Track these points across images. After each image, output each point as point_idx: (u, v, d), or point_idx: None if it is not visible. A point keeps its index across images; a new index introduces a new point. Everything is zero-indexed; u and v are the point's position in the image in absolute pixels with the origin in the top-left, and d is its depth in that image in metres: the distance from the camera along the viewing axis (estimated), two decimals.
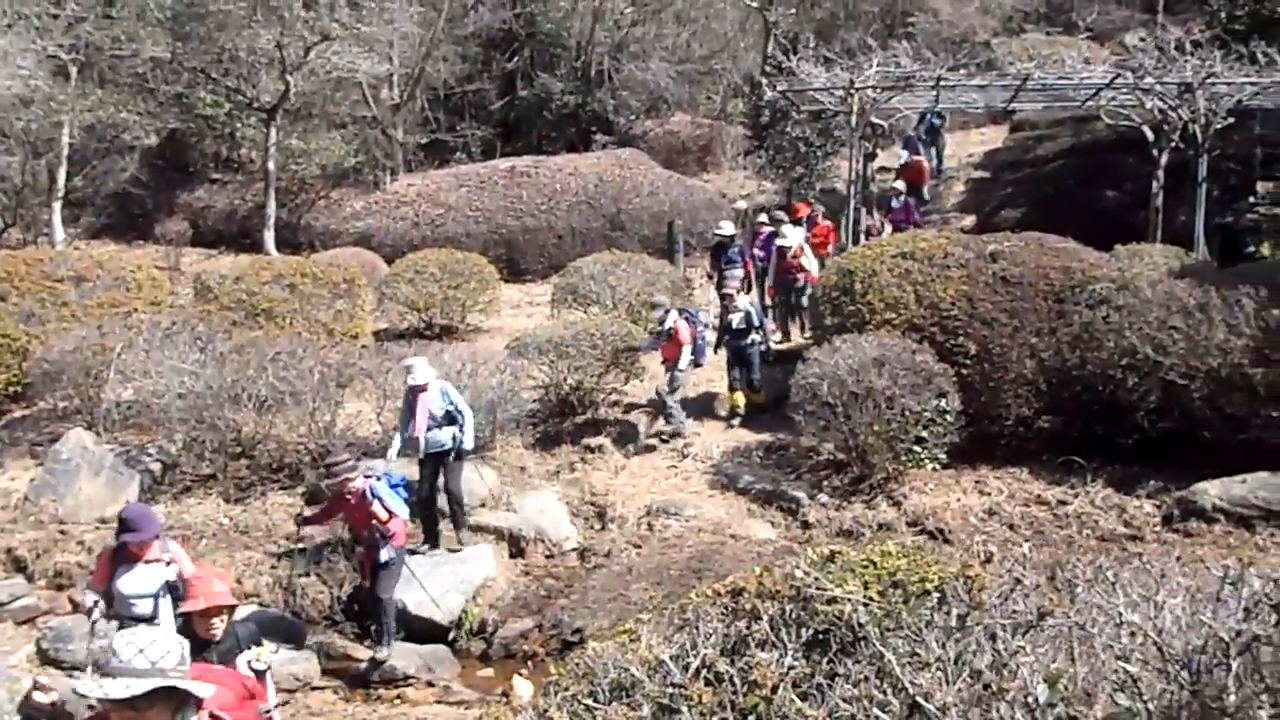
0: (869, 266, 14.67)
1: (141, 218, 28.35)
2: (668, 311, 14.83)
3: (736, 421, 15.42)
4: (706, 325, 16.39)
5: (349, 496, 10.48)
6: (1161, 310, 13.23)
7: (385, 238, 26.56)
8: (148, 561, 8.41)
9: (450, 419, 12.04)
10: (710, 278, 18.60)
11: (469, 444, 12.07)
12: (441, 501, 12.42)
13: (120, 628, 8.22)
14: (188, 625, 6.96)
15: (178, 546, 8.91)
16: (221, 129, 28.49)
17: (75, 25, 26.20)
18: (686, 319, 14.99)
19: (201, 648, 6.45)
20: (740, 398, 15.47)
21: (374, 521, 10.31)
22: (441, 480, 12.25)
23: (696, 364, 15.42)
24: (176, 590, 8.16)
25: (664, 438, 15.08)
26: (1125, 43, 30.57)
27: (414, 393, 12.06)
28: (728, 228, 18.64)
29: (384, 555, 10.43)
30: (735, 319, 15.38)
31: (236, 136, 28.73)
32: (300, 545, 12.24)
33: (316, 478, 12.90)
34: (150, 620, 8.24)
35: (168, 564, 8.42)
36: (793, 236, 18.17)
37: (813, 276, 17.54)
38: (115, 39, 26.59)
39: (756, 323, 15.46)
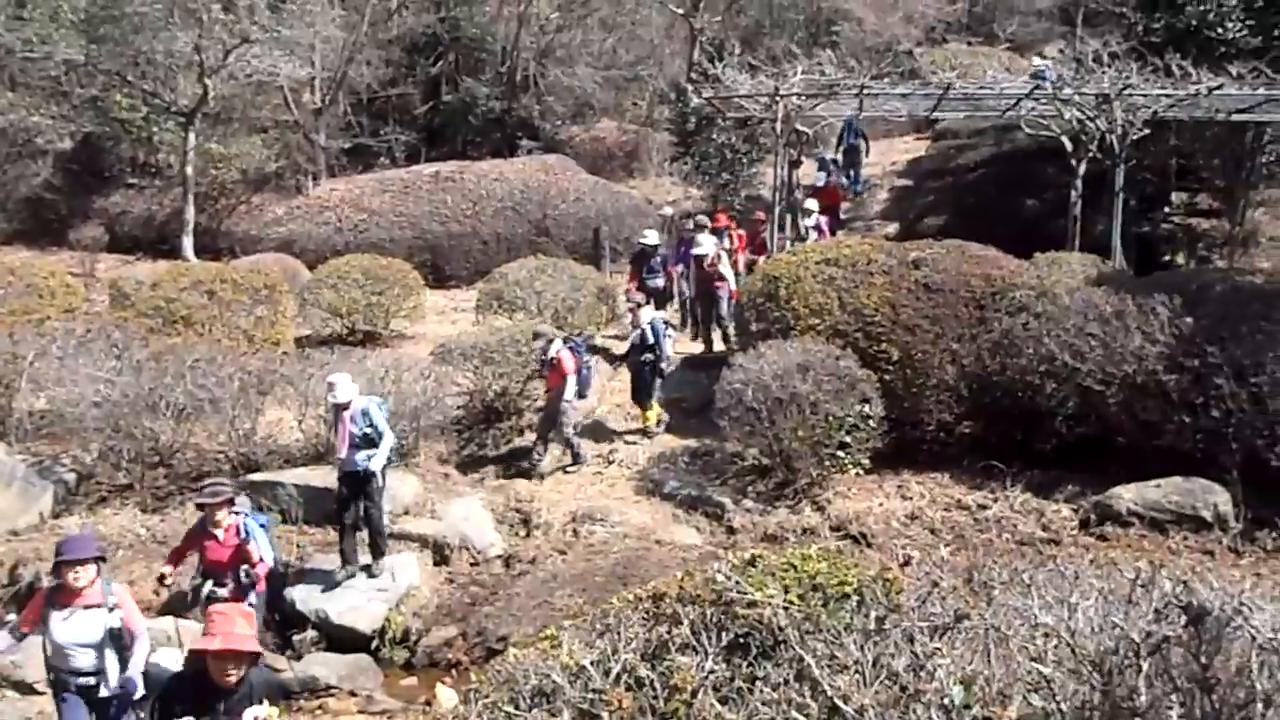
0: (794, 272, 14.77)
1: (55, 223, 27.77)
2: (550, 341, 14.22)
3: (661, 429, 15.30)
4: (592, 360, 15.63)
5: (215, 530, 9.70)
6: (1079, 317, 13.46)
7: (307, 243, 26.27)
8: (88, 606, 7.48)
9: (369, 441, 11.40)
10: (628, 290, 17.98)
11: (375, 466, 11.33)
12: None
13: (58, 683, 7.75)
14: (201, 671, 6.11)
15: (124, 591, 8.04)
16: (138, 133, 27.91)
17: None
18: (571, 349, 14.34)
19: (210, 695, 6.00)
20: (654, 414, 15.29)
21: (244, 565, 9.65)
22: (362, 507, 11.63)
23: (581, 395, 14.77)
24: (121, 641, 7.56)
25: (566, 469, 14.50)
26: (1045, 54, 30.98)
27: (337, 410, 11.58)
28: (651, 236, 18.38)
29: (250, 601, 9.38)
30: (634, 336, 15.14)
31: (154, 141, 28.18)
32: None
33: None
34: (95, 675, 7.57)
35: (111, 609, 7.51)
36: (707, 244, 17.87)
37: (735, 291, 17.31)
38: (27, 41, 25.93)
39: (652, 340, 14.91)
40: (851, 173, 26.91)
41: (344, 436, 11.42)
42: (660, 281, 17.80)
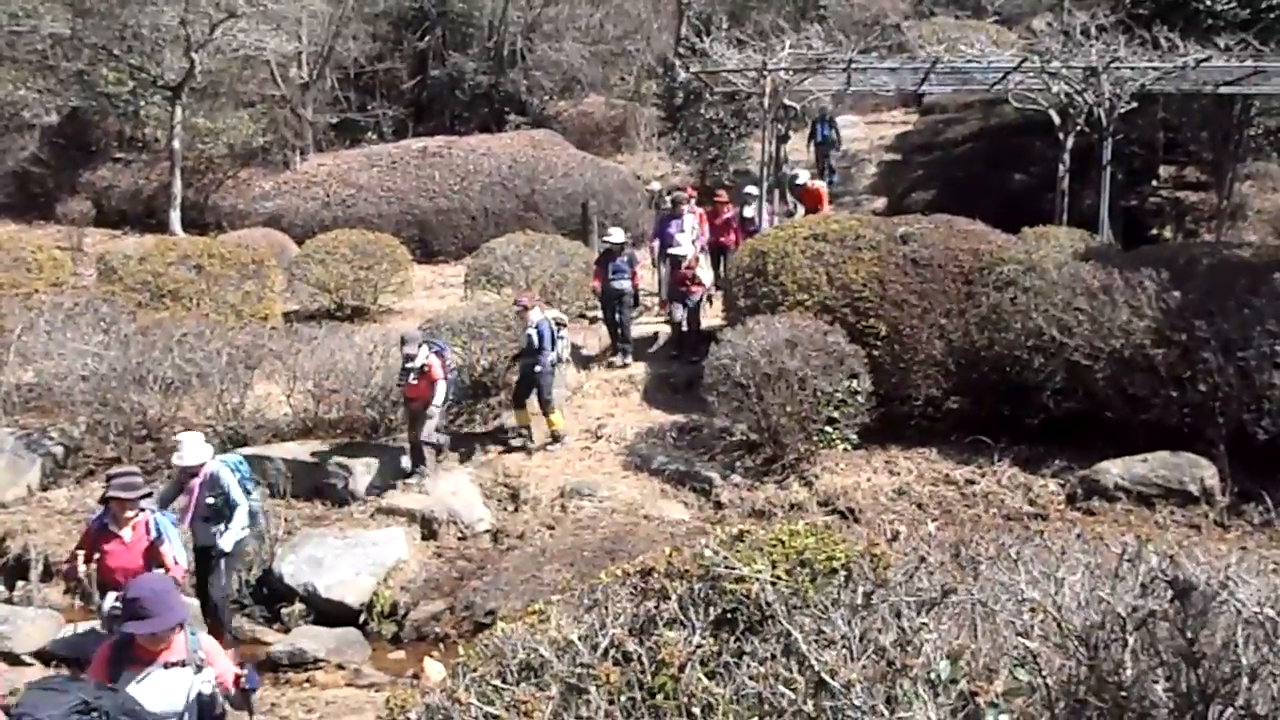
0: (782, 248, 14.76)
1: (42, 197, 27.63)
2: (420, 346, 13.04)
3: (556, 447, 14.42)
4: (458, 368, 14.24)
5: (118, 529, 8.63)
6: (1067, 292, 13.48)
7: (295, 218, 26.17)
8: (169, 665, 5.78)
9: (218, 514, 10.04)
10: (595, 290, 17.34)
11: (227, 545, 10.03)
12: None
13: None
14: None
15: (212, 642, 6.37)
16: (125, 107, 27.81)
17: None
18: (438, 353, 13.17)
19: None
20: (523, 415, 14.52)
21: (156, 567, 8.43)
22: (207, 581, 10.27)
23: (449, 399, 13.71)
24: (212, 709, 5.95)
25: (407, 477, 13.32)
26: (1032, 27, 30.96)
27: (185, 475, 10.11)
28: (616, 235, 17.22)
29: None
30: (523, 339, 14.25)
31: (141, 115, 28.06)
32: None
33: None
34: None
35: (199, 669, 5.85)
36: (685, 244, 17.11)
37: (708, 293, 17.15)
38: (13, 15, 25.77)
39: (547, 343, 14.03)
40: (825, 165, 26.18)
41: (191, 506, 10.02)
42: (625, 283, 16.71)
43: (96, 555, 8.73)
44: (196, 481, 9.98)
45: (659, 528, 12.18)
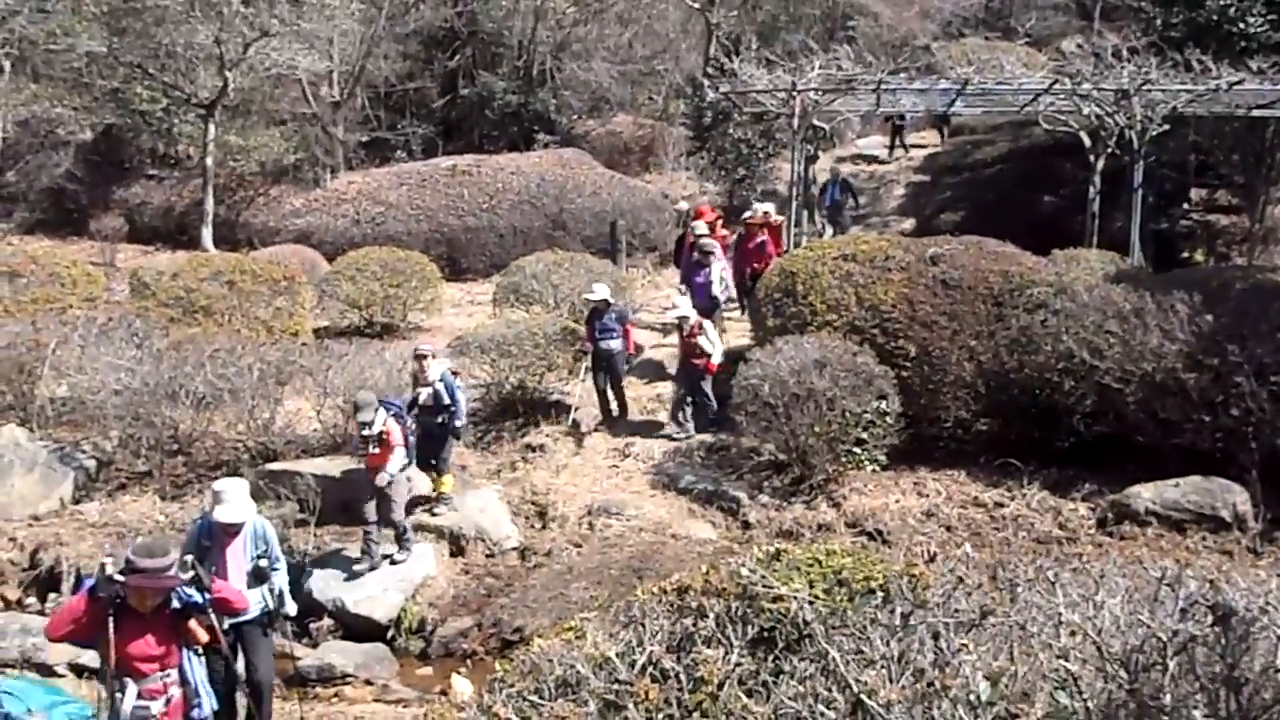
0: (810, 268, 14.76)
1: (76, 213, 27.89)
2: (376, 410, 11.40)
3: (442, 510, 12.91)
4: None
5: (142, 607, 6.47)
6: (1098, 315, 13.42)
7: (325, 235, 26.33)
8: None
9: (259, 575, 8.42)
10: (585, 352, 15.49)
11: (291, 609, 8.95)
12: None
13: None
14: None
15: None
16: (159, 125, 28.07)
17: (9, 19, 25.69)
18: (395, 416, 11.66)
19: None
20: (449, 480, 13.10)
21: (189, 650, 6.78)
22: (242, 662, 8.45)
23: (410, 463, 12.02)
24: None
25: (393, 560, 11.96)
26: (1063, 49, 30.97)
27: (223, 533, 8.32)
28: (599, 290, 15.53)
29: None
30: (424, 394, 12.66)
31: (174, 132, 28.32)
32: None
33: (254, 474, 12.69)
34: None
35: None
36: (685, 306, 15.34)
37: (713, 365, 14.89)
38: (50, 33, 26.09)
39: (447, 399, 12.66)
40: (835, 229, 25.37)
41: (233, 569, 8.29)
42: (616, 343, 15.18)
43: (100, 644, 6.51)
44: (237, 540, 8.34)
45: (686, 547, 12.18)
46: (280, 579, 8.61)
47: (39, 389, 14.55)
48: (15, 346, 14.62)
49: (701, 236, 17.75)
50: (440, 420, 12.68)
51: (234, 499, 8.33)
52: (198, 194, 26.63)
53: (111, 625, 6.29)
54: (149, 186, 28.64)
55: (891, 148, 31.30)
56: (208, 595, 6.64)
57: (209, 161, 25.91)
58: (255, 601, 8.26)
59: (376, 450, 11.52)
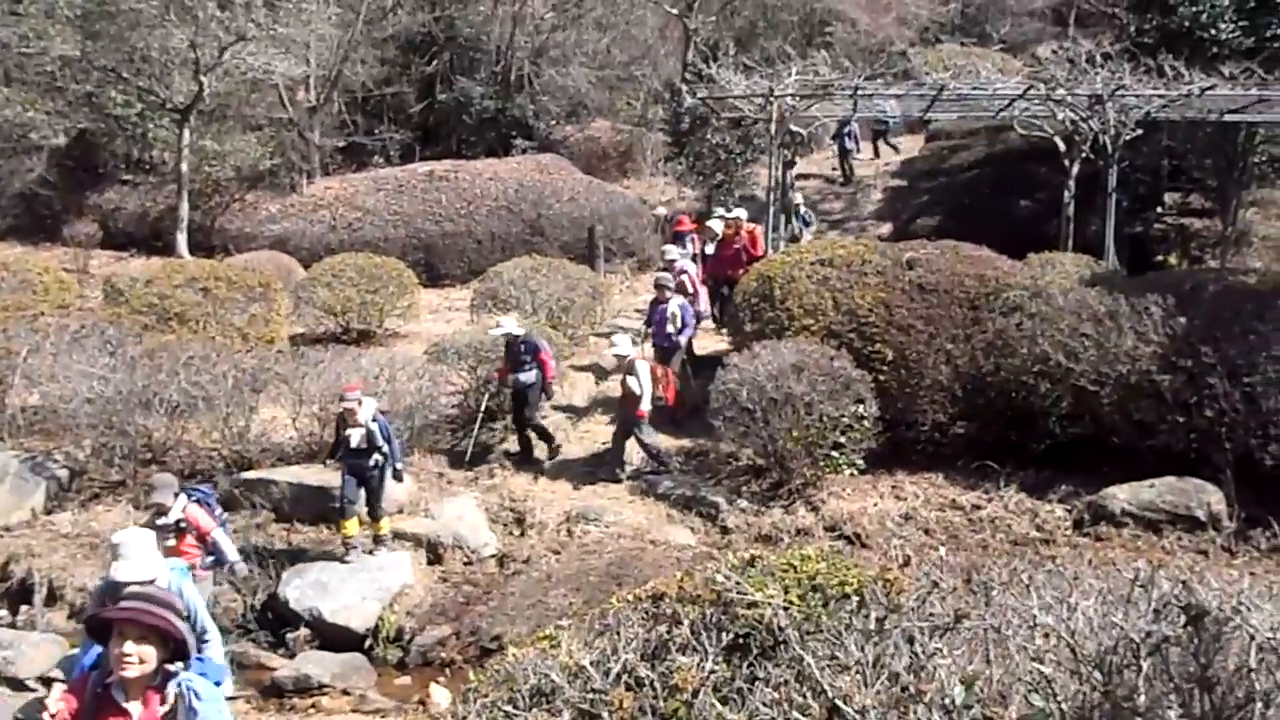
0: (788, 273, 14.79)
1: (49, 219, 27.73)
2: (175, 495, 9.84)
3: (351, 558, 11.99)
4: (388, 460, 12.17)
5: (124, 698, 4.38)
6: (1073, 318, 13.48)
7: (301, 241, 26.23)
8: None
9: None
10: (504, 385, 14.71)
11: (228, 686, 7.74)
12: None
13: None
14: None
15: None
16: (133, 129, 27.87)
17: None
18: (199, 502, 10.04)
19: None
20: (353, 526, 12.05)
21: None
22: None
23: (220, 563, 10.10)
24: None
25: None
26: (1038, 55, 31.12)
27: (114, 589, 6.41)
28: (506, 323, 14.68)
29: None
30: (354, 435, 11.91)
31: (148, 137, 28.11)
32: None
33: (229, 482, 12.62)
34: None
35: None
36: (623, 343, 14.56)
37: (641, 410, 13.99)
38: (23, 36, 25.91)
39: (380, 441, 11.95)
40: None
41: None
42: (531, 375, 14.32)
43: None
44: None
45: (665, 553, 12.16)
46: (214, 651, 6.96)
47: (10, 398, 14.46)
48: None
49: (661, 272, 17.28)
50: (373, 462, 11.98)
51: (136, 553, 6.71)
52: (172, 200, 26.48)
53: None
54: (123, 192, 28.48)
55: (876, 153, 31.12)
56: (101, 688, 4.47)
57: (184, 167, 25.77)
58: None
59: (172, 542, 9.55)
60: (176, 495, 9.85)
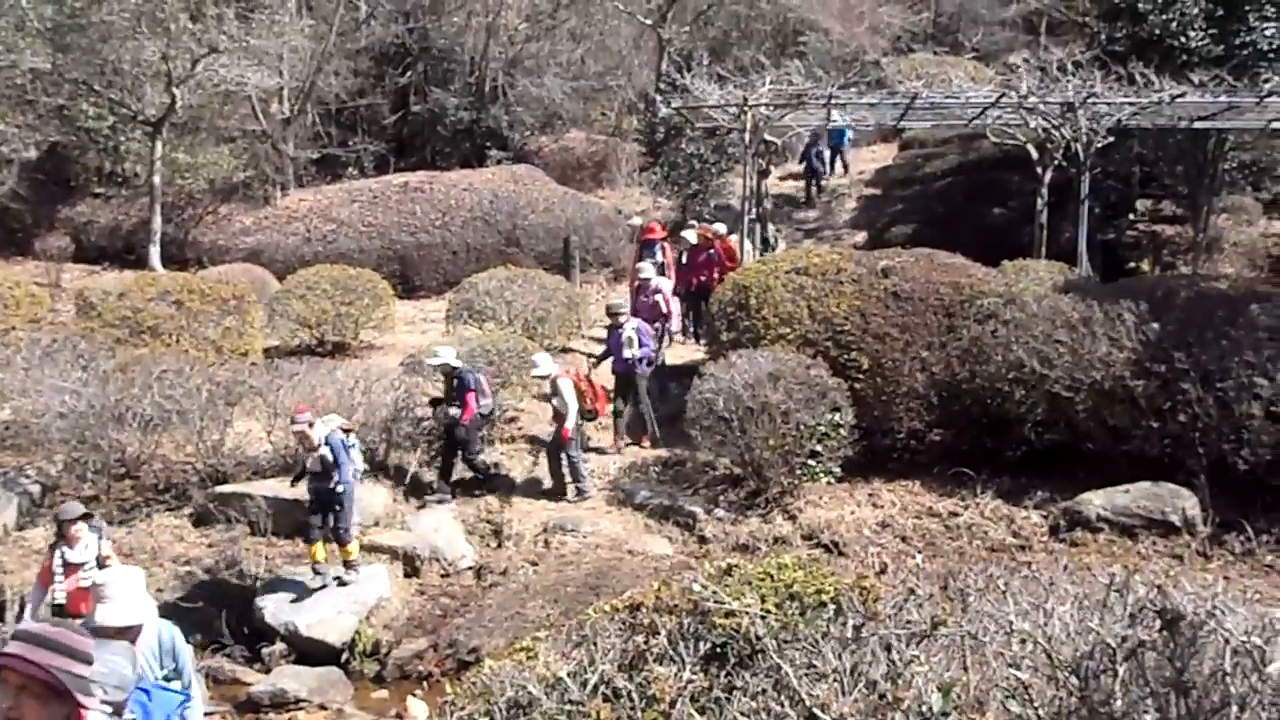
0: (764, 282, 14.81)
1: (20, 233, 27.46)
2: (95, 532, 9.56)
3: (318, 583, 11.75)
4: None
5: None
6: (1047, 324, 13.55)
7: (276, 253, 26.05)
8: None
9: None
10: (434, 415, 14.43)
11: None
12: None
13: None
14: None
15: None
16: (105, 142, 27.66)
17: None
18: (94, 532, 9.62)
19: None
20: (320, 550, 11.80)
21: None
22: None
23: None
24: None
25: None
26: (1010, 63, 31.27)
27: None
28: (446, 354, 14.31)
29: None
30: (311, 460, 11.65)
31: (121, 150, 27.90)
32: (188, 569, 11.86)
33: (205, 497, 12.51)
34: None
35: None
36: (544, 363, 14.43)
37: (565, 431, 13.86)
38: None
39: (343, 457, 11.59)
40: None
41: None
42: (455, 410, 13.85)
43: None
44: (139, 646, 5.91)
45: (643, 563, 12.15)
46: (195, 715, 6.22)
47: None
48: None
49: (613, 300, 17.43)
50: (334, 484, 11.58)
51: (121, 594, 5.96)
52: (145, 212, 26.27)
53: None
54: (95, 205, 28.22)
55: (830, 168, 30.63)
56: None
57: (156, 179, 25.59)
58: None
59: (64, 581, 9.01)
60: (87, 519, 9.54)
